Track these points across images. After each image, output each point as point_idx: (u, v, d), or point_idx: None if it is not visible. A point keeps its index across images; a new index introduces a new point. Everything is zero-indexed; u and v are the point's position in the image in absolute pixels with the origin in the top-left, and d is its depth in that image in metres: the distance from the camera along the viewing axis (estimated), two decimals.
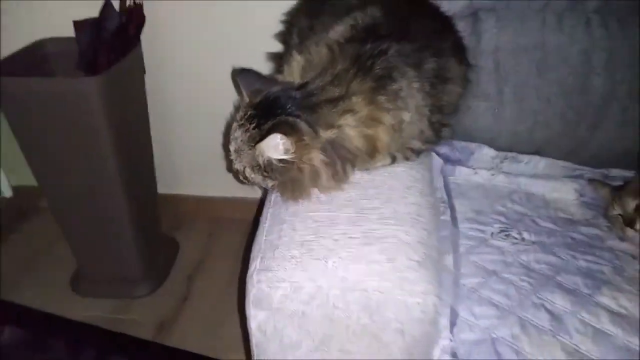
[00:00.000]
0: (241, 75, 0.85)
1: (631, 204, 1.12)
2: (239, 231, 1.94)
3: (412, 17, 0.92)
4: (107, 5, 1.50)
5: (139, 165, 1.65)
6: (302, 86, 0.80)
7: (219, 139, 1.82)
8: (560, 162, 1.31)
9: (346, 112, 0.77)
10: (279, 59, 1.29)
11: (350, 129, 0.77)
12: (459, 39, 1.02)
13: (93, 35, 1.50)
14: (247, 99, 0.83)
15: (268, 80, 0.85)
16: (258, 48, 1.38)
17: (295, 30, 1.14)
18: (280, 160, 0.76)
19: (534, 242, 1.10)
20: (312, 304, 0.67)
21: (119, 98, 1.41)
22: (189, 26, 1.61)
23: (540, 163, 1.31)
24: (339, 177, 0.78)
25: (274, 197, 0.82)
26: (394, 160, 0.86)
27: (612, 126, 1.24)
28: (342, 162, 0.77)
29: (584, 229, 1.15)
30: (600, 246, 1.10)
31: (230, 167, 0.86)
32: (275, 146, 0.74)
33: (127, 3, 1.49)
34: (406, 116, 0.80)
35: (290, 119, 0.76)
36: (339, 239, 0.71)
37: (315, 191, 0.78)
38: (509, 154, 1.31)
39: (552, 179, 1.28)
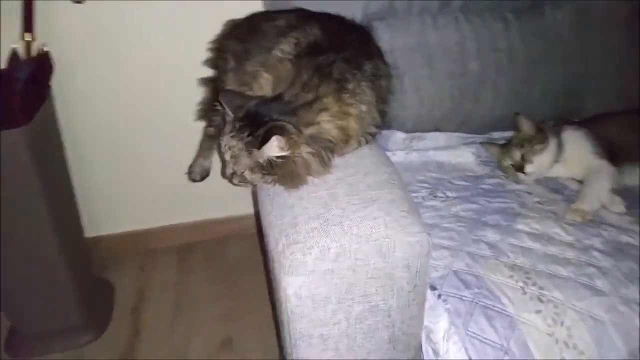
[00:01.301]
0: (222, 95, 0.99)
1: (518, 154, 1.43)
2: (168, 258, 2.00)
3: (342, 31, 1.13)
4: (14, 56, 1.51)
5: (66, 211, 1.65)
6: (278, 97, 0.96)
7: (135, 175, 1.86)
8: (455, 134, 1.61)
9: (321, 111, 0.95)
10: (211, 82, 1.42)
11: (326, 124, 0.95)
12: (376, 43, 1.25)
13: (6, 87, 1.49)
14: (231, 115, 0.97)
15: (245, 96, 1.00)
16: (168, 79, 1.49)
17: (230, 55, 1.29)
18: (278, 157, 0.91)
19: (455, 197, 1.36)
20: (338, 261, 0.83)
21: (43, 147, 1.42)
22: (95, 67, 1.65)
23: (440, 137, 1.59)
24: (326, 163, 0.95)
25: (269, 193, 0.97)
26: (359, 144, 1.05)
27: (489, 99, 1.56)
28: (325, 150, 0.95)
29: (488, 181, 1.44)
30: (504, 190, 1.39)
31: (225, 174, 0.99)
32: (275, 146, 0.89)
33: (34, 50, 1.50)
34: (363, 107, 1.00)
35: (279, 122, 0.92)
36: (344, 207, 0.88)
37: (309, 177, 0.95)
38: (415, 134, 1.56)
39: (453, 148, 1.56)
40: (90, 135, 1.75)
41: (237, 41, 1.28)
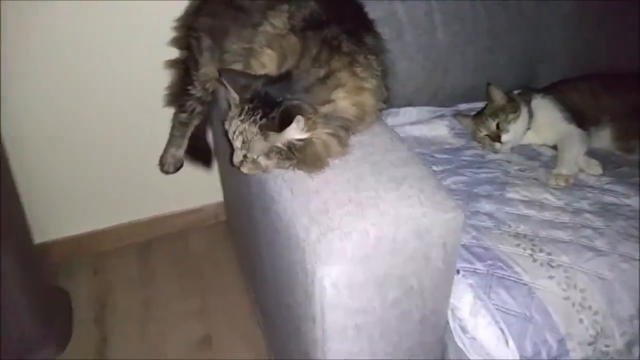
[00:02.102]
0: (225, 76, 0.90)
1: (493, 124, 1.44)
2: (127, 258, 1.86)
3: (338, 3, 1.06)
4: None
5: (11, 217, 1.47)
6: (287, 75, 0.89)
7: (82, 173, 1.71)
8: (426, 108, 1.60)
9: (336, 87, 0.88)
10: (181, 64, 1.31)
11: (342, 101, 0.89)
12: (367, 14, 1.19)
13: None
14: (236, 96, 0.89)
15: (249, 75, 0.91)
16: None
17: (203, 33, 1.19)
18: (298, 140, 0.85)
19: (442, 171, 1.36)
20: (377, 245, 0.79)
21: None
22: (34, 47, 1.47)
23: (413, 112, 1.58)
24: (344, 143, 0.89)
25: (285, 179, 0.90)
26: (373, 121, 1.00)
27: (458, 69, 1.56)
28: (342, 130, 0.89)
29: (467, 152, 1.45)
30: (485, 161, 1.41)
31: (232, 161, 0.91)
32: (296, 127, 0.82)
33: None
34: (374, 82, 0.95)
35: (295, 102, 0.85)
36: (375, 187, 0.83)
37: (329, 159, 0.89)
38: (390, 110, 1.54)
39: (426, 122, 1.56)
40: (31, 131, 1.56)
41: (211, 17, 1.18)
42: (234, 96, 0.89)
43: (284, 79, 0.88)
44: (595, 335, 0.98)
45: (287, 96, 0.86)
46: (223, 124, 0.93)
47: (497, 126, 1.43)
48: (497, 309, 0.95)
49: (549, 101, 1.50)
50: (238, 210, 1.49)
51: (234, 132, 0.88)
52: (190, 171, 1.56)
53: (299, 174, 0.88)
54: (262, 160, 0.87)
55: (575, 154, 1.36)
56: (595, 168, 1.34)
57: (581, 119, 1.47)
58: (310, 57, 0.90)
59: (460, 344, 0.97)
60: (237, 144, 0.88)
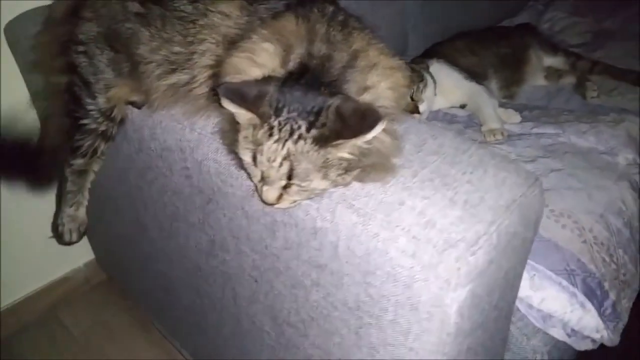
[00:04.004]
0: (226, 93, 0.65)
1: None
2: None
3: None
4: None
5: None
6: (303, 69, 0.68)
7: None
8: None
9: (370, 70, 0.70)
10: (59, 94, 0.95)
11: (380, 85, 0.71)
12: None
13: None
14: (251, 115, 0.65)
15: (253, 83, 0.67)
16: None
17: (97, 44, 0.89)
18: (367, 142, 0.65)
19: None
20: (499, 245, 0.65)
21: None
22: None
23: None
24: (395, 135, 0.72)
25: (343, 199, 0.69)
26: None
27: None
28: (388, 119, 0.72)
29: None
30: None
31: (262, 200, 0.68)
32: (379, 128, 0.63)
33: None
34: (397, 58, 0.78)
35: (342, 97, 0.66)
36: (467, 179, 0.69)
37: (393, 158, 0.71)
38: None
39: None
40: None
41: (102, 22, 0.88)
42: (249, 116, 0.65)
43: (304, 74, 0.67)
44: (617, 267, 1.00)
45: (324, 94, 0.65)
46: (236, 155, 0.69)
47: (412, 98, 1.39)
48: (557, 274, 0.90)
49: (445, 64, 1.51)
50: (154, 260, 1.19)
51: (270, 160, 0.64)
52: (38, 234, 1.25)
53: (356, 190, 0.69)
54: (316, 184, 0.66)
55: (491, 107, 1.39)
56: (514, 116, 1.39)
57: (473, 76, 1.51)
58: (322, 40, 0.70)
59: (534, 321, 0.89)
60: (275, 173, 0.65)
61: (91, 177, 1.01)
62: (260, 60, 0.70)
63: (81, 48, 0.90)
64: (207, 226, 0.95)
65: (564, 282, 0.89)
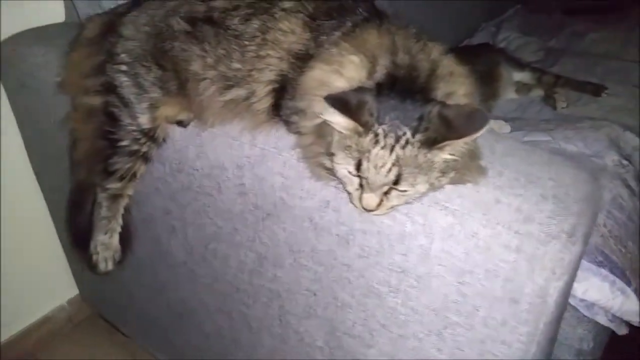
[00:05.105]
0: (334, 103, 0.66)
1: None
2: None
3: None
4: None
5: None
6: (391, 79, 0.71)
7: None
8: None
9: (448, 77, 0.73)
10: (94, 115, 0.92)
11: (459, 92, 0.75)
12: None
13: None
14: (354, 124, 0.67)
15: (354, 93, 0.69)
16: None
17: (141, 61, 0.87)
18: (466, 143, 0.69)
19: None
20: (586, 234, 0.71)
21: None
22: None
23: None
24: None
25: (432, 202, 0.72)
26: None
27: None
28: None
29: None
30: None
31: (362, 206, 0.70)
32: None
33: None
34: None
35: (438, 102, 0.69)
36: (550, 177, 0.72)
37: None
38: None
39: None
40: None
41: (147, 38, 0.87)
42: (352, 125, 0.67)
43: (394, 83, 0.70)
44: (631, 257, 1.10)
45: (420, 99, 0.69)
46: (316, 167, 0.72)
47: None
48: (597, 265, 0.97)
49: None
50: (172, 288, 1.17)
51: (378, 166, 0.66)
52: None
53: (447, 194, 0.72)
54: (419, 187, 0.68)
55: None
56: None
57: None
58: (404, 51, 0.73)
59: (583, 311, 0.96)
60: (383, 179, 0.67)
61: (125, 202, 0.96)
62: (346, 72, 0.72)
63: (123, 67, 0.87)
64: (257, 243, 0.94)
65: (604, 272, 0.97)
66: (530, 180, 0.72)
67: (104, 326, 1.58)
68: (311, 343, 0.98)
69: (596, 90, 1.71)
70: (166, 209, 1.05)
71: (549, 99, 1.70)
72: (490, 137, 0.83)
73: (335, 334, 0.93)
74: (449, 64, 0.75)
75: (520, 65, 1.82)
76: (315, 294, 0.92)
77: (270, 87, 0.82)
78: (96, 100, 0.91)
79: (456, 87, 0.74)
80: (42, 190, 1.38)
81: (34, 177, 1.34)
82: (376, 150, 0.66)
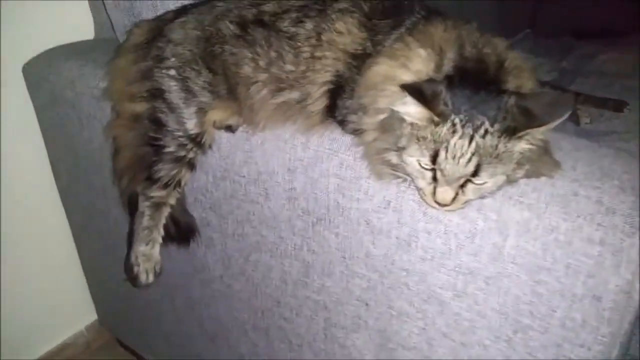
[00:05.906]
0: (413, 92, 0.64)
1: None
2: None
3: None
4: None
5: None
6: (459, 71, 0.69)
7: None
8: None
9: (516, 71, 0.72)
10: (138, 121, 0.90)
11: (527, 85, 0.73)
12: None
13: None
14: (430, 113, 0.65)
15: (427, 84, 0.68)
16: None
17: (191, 66, 0.86)
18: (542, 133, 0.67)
19: None
20: None
21: None
22: None
23: None
24: None
25: (505, 199, 0.69)
26: None
27: None
28: None
29: None
30: None
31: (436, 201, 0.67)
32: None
33: None
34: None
35: (514, 92, 0.67)
36: (624, 169, 0.69)
37: None
38: None
39: None
40: None
41: (189, 47, 0.87)
42: (428, 115, 0.65)
43: (464, 75, 0.69)
44: None
45: (490, 90, 0.67)
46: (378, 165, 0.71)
47: None
48: None
49: None
50: (206, 305, 1.13)
51: (457, 156, 0.64)
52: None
53: (514, 187, 0.69)
54: (497, 178, 0.66)
55: None
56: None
57: None
58: (470, 45, 0.72)
59: None
60: (462, 170, 0.64)
61: (167, 211, 0.93)
62: (413, 65, 0.70)
63: (172, 72, 0.86)
64: (305, 252, 0.90)
65: None
66: (606, 173, 0.70)
67: (121, 352, 1.52)
68: (359, 358, 0.94)
69: (618, 106, 1.71)
70: (205, 220, 1.01)
71: (571, 115, 1.70)
72: (555, 135, 0.81)
73: (388, 346, 0.89)
74: (515, 58, 0.74)
75: (540, 84, 1.82)
76: (367, 304, 0.88)
77: (325, 88, 0.80)
78: (141, 107, 0.89)
79: (524, 82, 0.72)
80: (66, 211, 1.34)
81: (58, 200, 1.31)
82: (455, 139, 0.64)
